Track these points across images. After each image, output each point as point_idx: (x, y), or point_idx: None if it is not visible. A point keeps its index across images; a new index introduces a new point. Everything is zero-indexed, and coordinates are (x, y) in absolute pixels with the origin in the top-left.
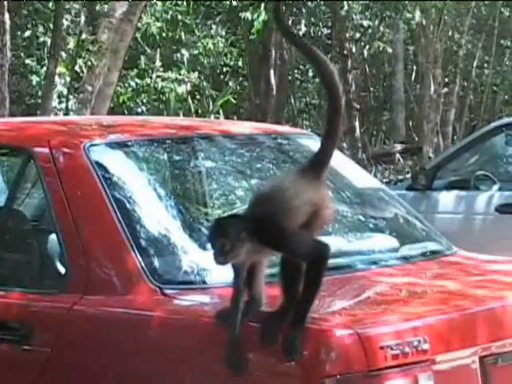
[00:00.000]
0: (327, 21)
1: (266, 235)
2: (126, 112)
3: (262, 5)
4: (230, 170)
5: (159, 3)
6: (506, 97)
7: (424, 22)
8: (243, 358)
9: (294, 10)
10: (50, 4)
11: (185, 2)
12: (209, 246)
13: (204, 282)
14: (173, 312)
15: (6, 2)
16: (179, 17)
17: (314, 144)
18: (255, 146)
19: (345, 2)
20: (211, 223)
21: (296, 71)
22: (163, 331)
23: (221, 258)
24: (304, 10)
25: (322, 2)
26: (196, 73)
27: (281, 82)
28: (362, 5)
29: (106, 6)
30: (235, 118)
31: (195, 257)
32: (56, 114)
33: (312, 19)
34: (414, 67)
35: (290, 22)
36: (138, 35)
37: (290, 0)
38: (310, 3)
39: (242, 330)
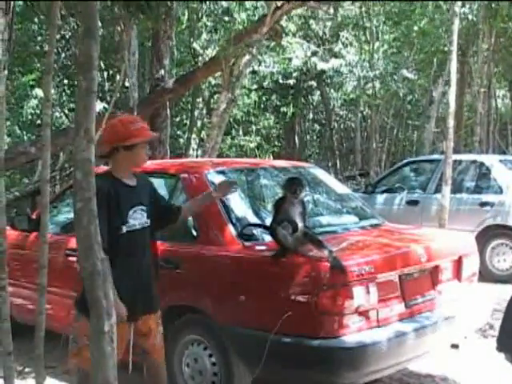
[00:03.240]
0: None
1: None
2: (224, 157)
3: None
4: (274, 184)
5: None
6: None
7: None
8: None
9: None
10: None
11: (255, 103)
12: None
13: (263, 240)
14: (248, 254)
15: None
16: (251, 110)
17: (315, 170)
18: (286, 172)
19: None
20: None
21: (309, 136)
22: (242, 262)
23: None
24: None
25: None
26: (259, 137)
27: (301, 141)
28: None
29: (215, 105)
30: (277, 158)
31: (259, 227)
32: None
33: None
34: (365, 134)
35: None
36: (231, 119)
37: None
38: None
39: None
